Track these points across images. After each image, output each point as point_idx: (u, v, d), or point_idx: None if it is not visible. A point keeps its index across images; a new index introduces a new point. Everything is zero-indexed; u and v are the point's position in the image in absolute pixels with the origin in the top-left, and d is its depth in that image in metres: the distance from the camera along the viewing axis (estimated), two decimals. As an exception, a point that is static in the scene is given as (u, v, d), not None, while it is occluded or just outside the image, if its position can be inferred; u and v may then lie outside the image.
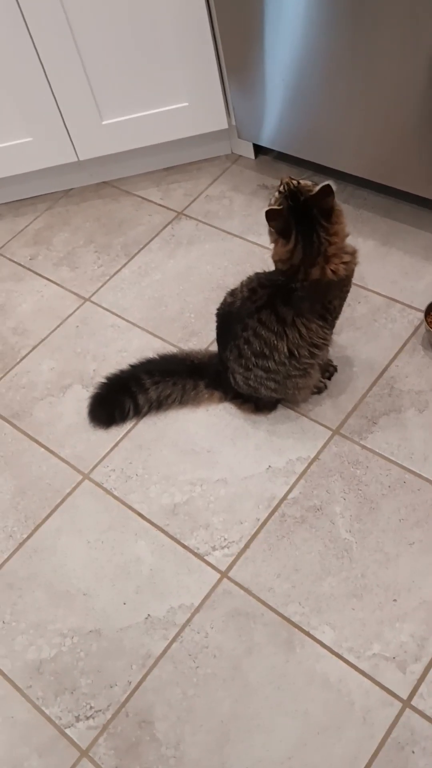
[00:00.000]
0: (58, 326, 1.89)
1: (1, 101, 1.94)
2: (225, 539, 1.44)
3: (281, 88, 1.83)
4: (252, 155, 2.17)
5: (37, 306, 1.95)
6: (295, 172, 2.09)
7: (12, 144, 2.02)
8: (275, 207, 1.32)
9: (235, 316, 1.45)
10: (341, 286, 1.41)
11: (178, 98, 1.97)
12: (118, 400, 1.63)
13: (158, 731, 1.25)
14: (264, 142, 2.02)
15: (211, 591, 1.38)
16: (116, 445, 1.62)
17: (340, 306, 1.45)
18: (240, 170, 2.16)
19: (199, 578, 1.40)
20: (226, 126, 2.04)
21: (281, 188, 1.33)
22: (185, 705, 1.27)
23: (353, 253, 1.39)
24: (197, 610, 1.37)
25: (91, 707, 1.29)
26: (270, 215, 1.31)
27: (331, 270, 1.35)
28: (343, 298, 1.44)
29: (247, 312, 1.42)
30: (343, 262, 1.36)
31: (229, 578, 1.39)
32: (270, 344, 1.41)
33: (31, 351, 1.85)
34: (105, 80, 1.93)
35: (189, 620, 1.36)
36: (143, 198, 2.16)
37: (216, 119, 2.02)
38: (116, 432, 1.64)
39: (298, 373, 1.47)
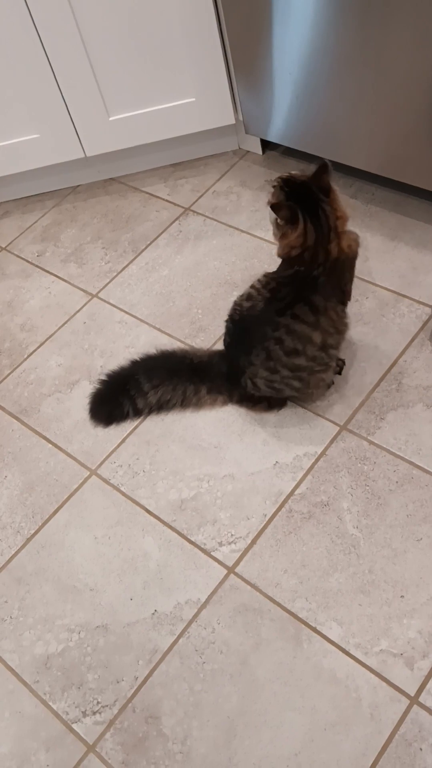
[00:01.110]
0: (66, 322, 1.89)
1: (9, 98, 1.94)
2: (232, 535, 1.44)
3: (289, 82, 1.82)
4: (259, 151, 2.16)
5: (45, 302, 1.95)
6: (303, 168, 2.09)
7: (19, 141, 2.02)
8: (276, 200, 1.34)
9: (260, 318, 1.43)
10: (352, 266, 1.44)
11: (185, 94, 1.96)
12: (117, 401, 1.63)
13: (165, 726, 1.25)
14: (271, 138, 2.01)
15: (218, 586, 1.38)
16: (123, 440, 1.62)
17: (350, 291, 1.48)
18: (247, 166, 2.15)
19: (206, 574, 1.40)
20: (233, 121, 2.04)
21: (274, 183, 1.36)
22: (192, 700, 1.27)
23: (356, 237, 1.42)
24: (204, 605, 1.36)
25: (98, 702, 1.29)
26: (275, 207, 1.33)
27: (347, 245, 1.39)
28: (352, 281, 1.47)
29: (277, 310, 1.41)
30: (353, 239, 1.40)
31: (235, 574, 1.39)
32: (304, 338, 1.41)
33: (38, 347, 1.85)
34: (112, 76, 1.92)
35: (196, 616, 1.35)
36: (150, 194, 2.16)
37: (223, 115, 2.02)
38: (123, 428, 1.64)
39: (322, 368, 1.47)
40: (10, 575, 1.47)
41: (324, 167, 1.35)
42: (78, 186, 2.24)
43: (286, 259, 1.43)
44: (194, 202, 2.10)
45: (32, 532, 1.52)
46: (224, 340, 1.56)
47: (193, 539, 1.45)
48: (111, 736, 1.26)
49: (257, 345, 1.44)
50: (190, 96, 1.97)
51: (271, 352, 1.43)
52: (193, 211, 2.07)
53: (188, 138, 2.13)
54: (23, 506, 1.56)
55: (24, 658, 1.36)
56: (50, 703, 1.31)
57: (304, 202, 1.35)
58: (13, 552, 1.50)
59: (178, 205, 2.10)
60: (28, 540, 1.51)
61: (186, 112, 1.99)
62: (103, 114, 1.98)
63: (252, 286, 1.47)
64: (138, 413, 1.63)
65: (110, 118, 2.00)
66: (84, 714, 1.29)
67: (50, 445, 1.65)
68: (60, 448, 1.64)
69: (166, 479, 1.54)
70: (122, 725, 1.27)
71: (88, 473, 1.59)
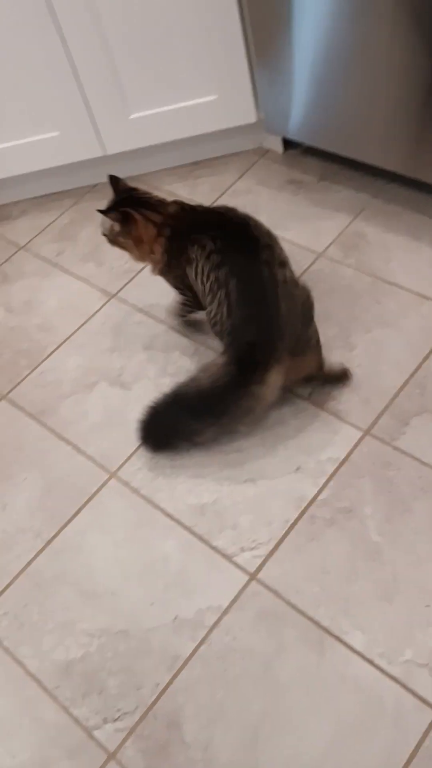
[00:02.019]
0: (84, 323, 1.88)
1: (29, 95, 1.93)
2: (253, 540, 1.42)
3: (310, 80, 1.80)
4: (280, 149, 2.14)
5: (63, 303, 1.94)
6: (323, 166, 2.07)
7: (39, 138, 2.01)
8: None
9: (235, 245, 1.48)
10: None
11: (206, 91, 1.95)
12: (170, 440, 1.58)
13: (187, 733, 1.24)
14: (291, 136, 1.99)
15: (240, 593, 1.37)
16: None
17: None
18: (267, 164, 2.13)
19: (228, 579, 1.39)
20: (254, 119, 2.02)
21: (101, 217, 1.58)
22: (214, 707, 1.26)
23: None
24: (226, 611, 1.35)
25: (118, 709, 1.28)
26: (105, 213, 1.54)
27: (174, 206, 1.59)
28: None
29: (229, 228, 1.52)
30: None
31: (257, 580, 1.37)
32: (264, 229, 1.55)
33: (57, 348, 1.84)
34: (133, 74, 1.91)
35: (217, 622, 1.34)
36: (170, 193, 2.14)
37: (244, 113, 2.00)
38: (143, 430, 1.63)
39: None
40: (29, 580, 1.46)
41: (113, 179, 1.59)
42: (97, 185, 2.23)
43: (163, 257, 1.58)
44: (213, 202, 2.07)
45: (51, 535, 1.51)
46: (233, 320, 1.43)
47: (214, 544, 1.43)
48: (132, 744, 1.25)
49: (261, 249, 1.47)
50: (211, 94, 1.95)
51: (269, 241, 1.51)
52: (213, 211, 2.05)
53: (208, 136, 2.11)
54: (42, 509, 1.55)
55: (44, 663, 1.35)
56: (71, 710, 1.30)
57: (127, 205, 1.55)
58: (32, 556, 1.49)
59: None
60: (47, 544, 1.50)
61: (207, 110, 1.98)
62: (123, 112, 1.97)
63: (196, 269, 1.52)
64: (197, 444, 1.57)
65: (131, 116, 1.98)
66: (105, 721, 1.28)
67: (69, 447, 1.64)
68: (79, 450, 1.63)
69: (186, 482, 1.53)
70: (143, 732, 1.25)
71: (108, 476, 1.57)
